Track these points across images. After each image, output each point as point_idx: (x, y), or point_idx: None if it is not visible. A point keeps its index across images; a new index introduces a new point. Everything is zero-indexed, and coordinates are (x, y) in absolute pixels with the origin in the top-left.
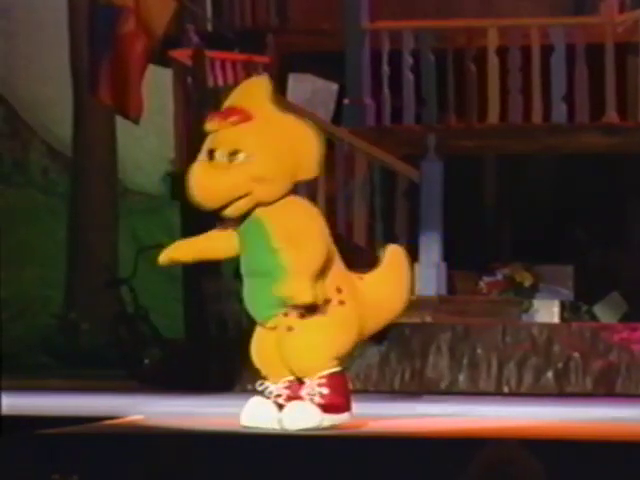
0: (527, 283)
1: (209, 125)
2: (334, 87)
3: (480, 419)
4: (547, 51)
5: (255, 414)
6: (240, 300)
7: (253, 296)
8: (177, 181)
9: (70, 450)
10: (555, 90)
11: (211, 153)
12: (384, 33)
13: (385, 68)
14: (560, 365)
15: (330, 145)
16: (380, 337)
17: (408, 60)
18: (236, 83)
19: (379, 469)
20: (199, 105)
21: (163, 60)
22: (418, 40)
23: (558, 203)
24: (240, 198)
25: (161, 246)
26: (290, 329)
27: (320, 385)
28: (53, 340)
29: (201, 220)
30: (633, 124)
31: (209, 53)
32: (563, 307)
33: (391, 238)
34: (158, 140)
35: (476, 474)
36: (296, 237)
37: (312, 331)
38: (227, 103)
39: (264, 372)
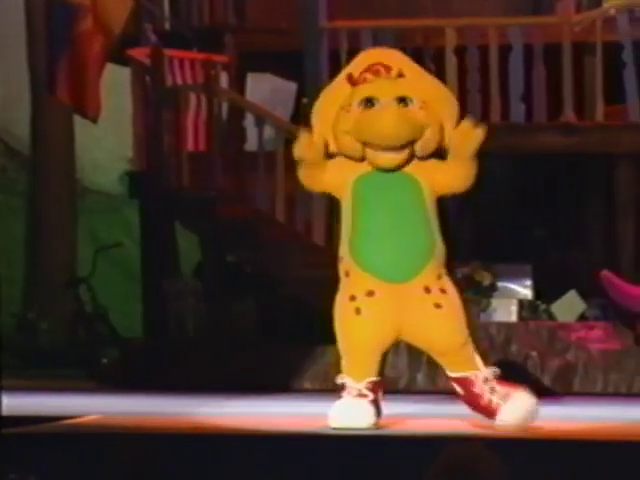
0: (486, 282)
1: (367, 77)
2: (293, 86)
3: (440, 418)
4: (505, 51)
5: (351, 415)
6: (199, 300)
7: (390, 256)
8: (136, 180)
9: (28, 450)
10: (513, 90)
11: (371, 101)
12: (342, 32)
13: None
14: (518, 364)
15: (289, 144)
16: None
17: None
18: (195, 82)
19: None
20: (157, 104)
21: (121, 59)
22: (376, 39)
23: (516, 202)
24: (414, 141)
25: (120, 245)
26: (438, 306)
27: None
28: (11, 339)
29: (160, 219)
30: (591, 123)
31: (167, 52)
32: (521, 306)
33: None
34: (116, 139)
35: (439, 474)
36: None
37: (459, 308)
38: (367, 63)
39: (356, 359)
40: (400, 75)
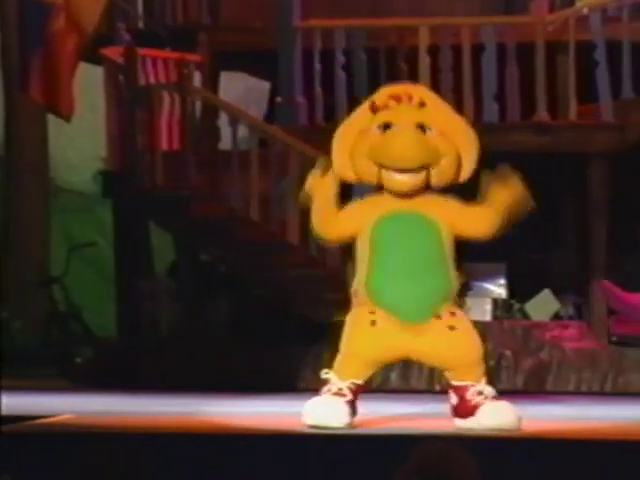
0: (460, 281)
1: (389, 103)
2: (266, 85)
3: (413, 417)
4: (478, 50)
5: (326, 413)
6: (173, 299)
7: (408, 295)
8: (109, 179)
9: (1, 449)
10: (486, 89)
11: (390, 126)
12: (316, 31)
13: (317, 66)
14: (492, 363)
15: (263, 144)
16: None
17: (340, 59)
18: (168, 81)
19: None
20: (131, 103)
21: (94, 58)
22: (350, 39)
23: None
24: (428, 167)
25: (93, 244)
26: (452, 328)
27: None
28: None
29: (133, 218)
30: (564, 123)
31: (141, 51)
32: (495, 305)
33: None
34: (90, 138)
35: (412, 472)
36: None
37: (471, 327)
38: (390, 92)
39: (352, 363)
40: (422, 104)
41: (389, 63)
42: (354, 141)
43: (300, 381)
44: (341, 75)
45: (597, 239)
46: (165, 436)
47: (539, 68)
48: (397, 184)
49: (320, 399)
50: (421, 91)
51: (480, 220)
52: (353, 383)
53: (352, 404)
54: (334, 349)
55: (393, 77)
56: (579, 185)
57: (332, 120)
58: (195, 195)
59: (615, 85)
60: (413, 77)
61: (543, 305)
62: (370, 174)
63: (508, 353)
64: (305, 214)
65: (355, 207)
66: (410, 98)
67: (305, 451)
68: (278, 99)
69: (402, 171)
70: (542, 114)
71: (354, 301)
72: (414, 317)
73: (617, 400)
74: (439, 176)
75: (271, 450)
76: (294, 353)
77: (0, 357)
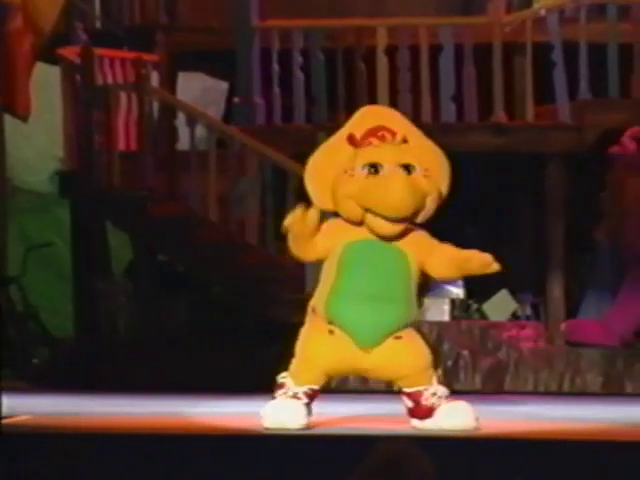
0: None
1: (373, 141)
2: (224, 85)
3: (372, 417)
4: (436, 50)
5: (284, 415)
6: (130, 299)
7: (365, 321)
8: (66, 179)
9: None
10: (444, 89)
11: (376, 167)
12: (274, 32)
13: (275, 67)
14: (449, 363)
15: (221, 144)
16: None
17: (298, 59)
18: (125, 81)
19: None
20: (88, 103)
21: (51, 58)
22: (308, 39)
23: (447, 201)
24: (418, 211)
25: (50, 245)
26: (398, 338)
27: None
28: None
29: (91, 218)
30: (521, 123)
31: (98, 51)
32: (453, 305)
33: (282, 236)
34: (47, 138)
35: (369, 472)
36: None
37: (418, 337)
38: (369, 124)
39: (307, 369)
40: (404, 141)
41: (347, 63)
42: (337, 181)
43: (258, 382)
44: (299, 75)
45: (554, 240)
46: (123, 436)
47: (496, 69)
48: (382, 230)
49: (278, 402)
50: (401, 124)
51: (444, 268)
52: (309, 388)
53: (308, 406)
54: (292, 350)
55: (351, 77)
56: (536, 186)
57: (290, 121)
58: (153, 195)
59: (572, 86)
60: (371, 77)
61: (501, 305)
62: (354, 215)
63: (466, 353)
64: (263, 214)
65: (330, 228)
66: (393, 134)
67: (262, 452)
68: (236, 99)
69: (391, 220)
70: (499, 115)
71: (310, 316)
72: (367, 343)
73: (574, 400)
74: (424, 216)
75: (228, 450)
76: (252, 353)
77: None
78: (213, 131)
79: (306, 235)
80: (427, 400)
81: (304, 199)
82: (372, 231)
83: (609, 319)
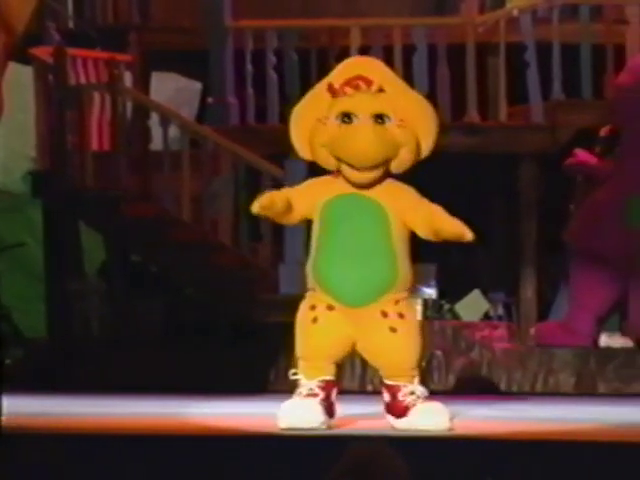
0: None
1: (347, 90)
2: (197, 86)
3: (347, 418)
4: (409, 51)
5: (302, 415)
6: (103, 299)
7: (348, 278)
8: (39, 179)
9: None
10: (417, 89)
11: (349, 116)
12: (247, 32)
13: (248, 67)
14: (423, 363)
15: (195, 144)
16: None
17: (271, 59)
18: (98, 81)
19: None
20: (61, 103)
21: (24, 58)
22: (281, 39)
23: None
24: (388, 160)
25: (23, 245)
26: (393, 330)
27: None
28: None
29: (63, 218)
30: (494, 124)
31: (70, 51)
32: (426, 305)
33: (256, 237)
34: (19, 138)
35: (342, 472)
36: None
37: (415, 333)
38: (349, 74)
39: (310, 364)
40: (381, 90)
41: (321, 63)
42: (313, 129)
43: (231, 382)
44: (272, 75)
45: (527, 240)
46: (95, 437)
47: (469, 69)
48: (355, 178)
49: (293, 402)
50: (380, 73)
51: (423, 223)
52: (322, 380)
53: (327, 402)
54: (265, 350)
55: (325, 77)
56: (509, 186)
57: (263, 121)
58: (126, 195)
59: (545, 86)
60: None
61: (473, 305)
62: (329, 164)
63: (439, 353)
64: (236, 214)
65: (309, 187)
66: (369, 83)
67: (232, 452)
68: (209, 99)
69: (361, 168)
70: (472, 115)
71: (308, 284)
72: (354, 301)
73: (547, 400)
74: (398, 166)
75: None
76: (225, 354)
77: None
78: (186, 131)
79: (279, 215)
80: (404, 397)
81: None
82: (348, 181)
83: (569, 319)
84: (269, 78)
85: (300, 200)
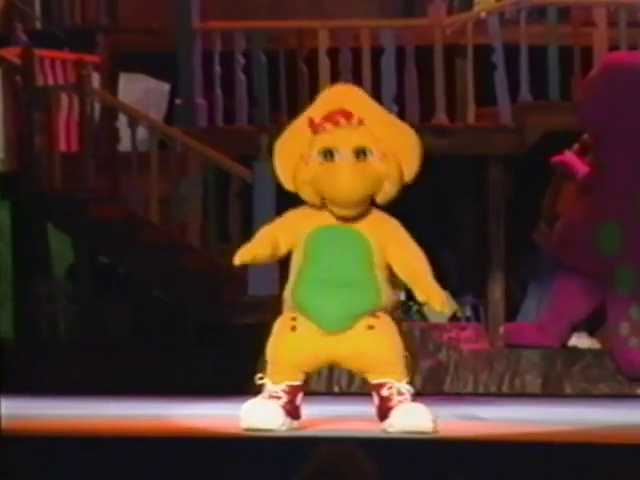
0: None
1: (327, 126)
2: (166, 87)
3: (313, 419)
4: (377, 53)
5: (261, 416)
6: (71, 301)
7: (330, 306)
8: (7, 181)
9: None
10: (385, 91)
11: (331, 153)
12: (216, 33)
13: (217, 68)
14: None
15: (163, 146)
16: None
17: (240, 61)
18: (66, 82)
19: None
20: (28, 104)
21: None
22: (250, 41)
23: (389, 204)
24: (372, 194)
25: None
26: (371, 327)
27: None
28: None
29: (31, 220)
30: (462, 125)
31: (38, 52)
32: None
33: (225, 238)
34: None
35: (310, 473)
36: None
37: (392, 330)
38: (329, 108)
39: (279, 369)
40: (360, 122)
41: (289, 65)
42: (295, 167)
43: (199, 383)
44: (241, 77)
45: (495, 241)
46: (63, 439)
47: (437, 71)
48: (339, 213)
49: (254, 402)
50: (359, 104)
51: (401, 266)
52: (287, 385)
53: (290, 405)
54: (233, 352)
55: (293, 79)
56: (477, 187)
57: (232, 122)
58: (94, 197)
59: (513, 88)
60: (313, 79)
61: None
62: (313, 200)
63: (407, 354)
64: (205, 216)
65: (292, 218)
66: (349, 117)
67: (196, 453)
68: (178, 101)
69: (343, 206)
70: (440, 117)
71: (284, 308)
72: (333, 328)
73: (514, 401)
74: (383, 198)
75: (203, 454)
76: (193, 356)
77: None
78: (155, 132)
79: (264, 261)
80: (389, 394)
81: (246, 201)
82: (332, 215)
83: (544, 321)
84: (237, 79)
85: (285, 234)
